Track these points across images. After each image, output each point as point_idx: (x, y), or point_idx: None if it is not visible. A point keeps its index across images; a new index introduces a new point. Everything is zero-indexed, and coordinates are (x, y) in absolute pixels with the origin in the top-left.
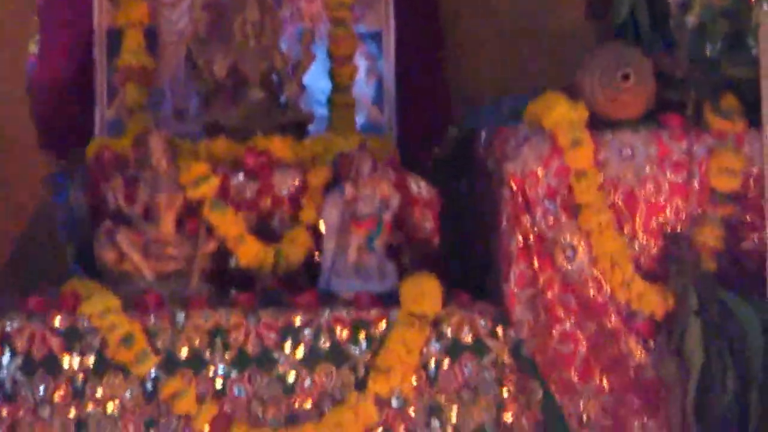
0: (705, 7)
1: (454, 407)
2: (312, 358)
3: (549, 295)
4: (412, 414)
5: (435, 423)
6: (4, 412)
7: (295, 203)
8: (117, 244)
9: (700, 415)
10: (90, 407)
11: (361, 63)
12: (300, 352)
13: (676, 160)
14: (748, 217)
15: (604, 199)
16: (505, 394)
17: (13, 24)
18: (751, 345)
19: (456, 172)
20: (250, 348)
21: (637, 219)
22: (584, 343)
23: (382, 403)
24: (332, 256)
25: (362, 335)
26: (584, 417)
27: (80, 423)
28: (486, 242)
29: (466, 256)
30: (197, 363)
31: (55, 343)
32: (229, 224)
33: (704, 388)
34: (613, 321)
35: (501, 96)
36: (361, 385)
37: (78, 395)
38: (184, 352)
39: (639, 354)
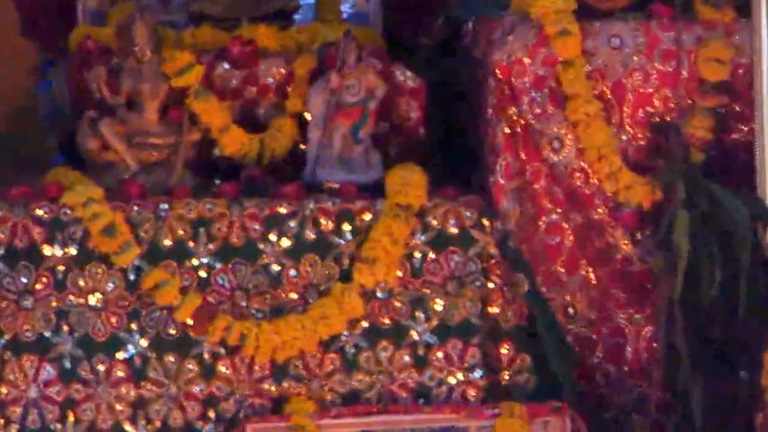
0: None
1: (439, 299)
2: (297, 249)
3: (535, 186)
4: (397, 305)
5: (420, 315)
6: None
7: (280, 93)
8: (100, 133)
9: (687, 306)
10: (72, 298)
11: None
12: (285, 243)
13: (664, 49)
14: (737, 108)
15: (591, 90)
16: (491, 286)
17: None
18: (739, 236)
19: (443, 62)
20: (234, 239)
21: (625, 109)
22: (570, 234)
23: (367, 294)
24: (317, 146)
25: (347, 226)
26: (570, 310)
27: (62, 313)
28: (473, 134)
29: (453, 147)
30: (180, 253)
31: (37, 233)
32: (213, 113)
33: (691, 279)
34: (599, 212)
35: None
36: (346, 277)
37: (60, 286)
38: (167, 243)
39: (626, 246)
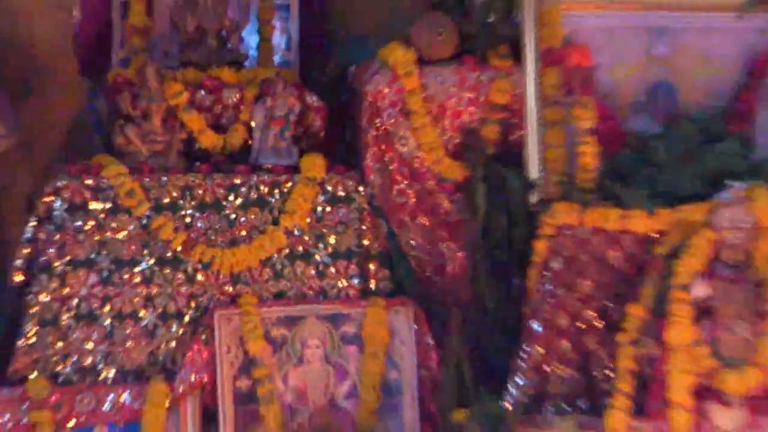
0: None
1: (333, 235)
2: (245, 204)
3: (391, 167)
4: (306, 239)
5: (320, 245)
6: (57, 237)
7: (236, 109)
8: (125, 134)
9: (484, 240)
10: (107, 234)
11: (277, 24)
12: (238, 201)
13: (470, 84)
14: (514, 120)
15: (425, 108)
16: (364, 228)
17: None
18: (515, 198)
19: (336, 90)
20: (208, 198)
21: (446, 120)
22: (413, 197)
23: (288, 232)
24: (259, 142)
25: (276, 191)
26: (412, 243)
27: (101, 243)
28: (354, 134)
29: (342, 143)
30: (175, 207)
31: (86, 194)
32: (194, 122)
33: (487, 224)
34: (430, 184)
35: (365, 40)
36: (275, 222)
37: (100, 227)
38: (166, 201)
39: (447, 204)
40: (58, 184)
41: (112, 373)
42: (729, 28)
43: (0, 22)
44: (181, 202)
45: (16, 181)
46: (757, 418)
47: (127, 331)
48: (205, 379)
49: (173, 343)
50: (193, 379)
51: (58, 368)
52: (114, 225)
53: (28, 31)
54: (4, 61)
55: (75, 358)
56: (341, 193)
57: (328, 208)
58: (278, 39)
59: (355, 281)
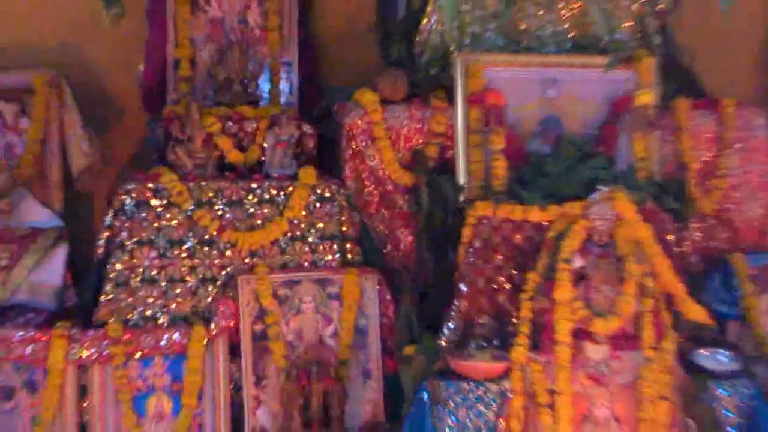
0: (432, 51)
1: (321, 223)
2: (260, 202)
3: (362, 176)
4: (302, 226)
5: (312, 230)
6: (127, 224)
7: (254, 135)
8: (176, 152)
9: (428, 227)
10: (163, 222)
11: (283, 75)
12: (255, 200)
13: (417, 118)
14: (448, 143)
15: (386, 134)
16: (343, 218)
17: (130, 44)
18: (448, 198)
19: (324, 122)
20: (234, 197)
21: (400, 143)
22: (377, 197)
23: (290, 221)
24: (269, 158)
25: (282, 192)
26: (378, 228)
27: (159, 229)
28: (336, 153)
29: (331, 160)
30: (210, 204)
31: (148, 194)
32: (224, 143)
33: (428, 218)
34: (389, 187)
35: (345, 87)
36: (281, 214)
37: (158, 217)
38: (205, 199)
39: (401, 202)
40: (128, 187)
41: (166, 320)
42: (597, 79)
43: (85, 76)
44: (215, 200)
45: (99, 186)
46: (616, 352)
47: (177, 291)
48: (232, 324)
49: (209, 299)
50: (223, 324)
51: (129, 316)
52: (168, 216)
53: (105, 80)
54: (88, 103)
55: (140, 309)
56: (327, 194)
57: (318, 205)
58: (284, 85)
59: (337, 256)
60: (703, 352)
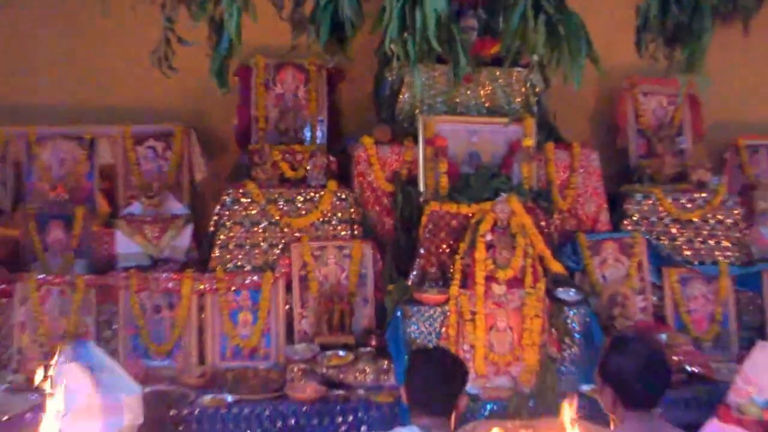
0: (405, 113)
1: (340, 213)
2: (304, 201)
3: (364, 186)
4: (328, 215)
5: (335, 219)
6: (227, 213)
7: (301, 162)
8: (256, 171)
9: (401, 217)
10: (248, 211)
11: (318, 126)
12: (302, 199)
13: (397, 152)
14: (414, 167)
15: (378, 162)
16: (353, 210)
17: (230, 105)
18: (414, 199)
19: (343, 155)
20: (289, 197)
21: (386, 168)
22: (372, 198)
23: (321, 212)
24: (310, 175)
25: (317, 195)
26: (372, 217)
27: (246, 216)
28: (350, 172)
29: (346, 177)
30: (276, 201)
31: (240, 196)
32: (284, 166)
33: (402, 211)
34: (379, 193)
35: (354, 134)
36: (317, 208)
37: (245, 209)
38: (272, 199)
39: (386, 201)
40: (228, 191)
41: (250, 268)
42: (501, 130)
43: (203, 124)
44: (278, 199)
45: (210, 190)
46: (510, 289)
47: (256, 252)
48: (287, 271)
49: (275, 257)
50: (282, 270)
51: (228, 266)
52: (250, 208)
53: (215, 128)
54: (205, 141)
55: (234, 261)
56: (343, 196)
57: (338, 202)
58: (319, 133)
59: (349, 232)
60: (560, 289)
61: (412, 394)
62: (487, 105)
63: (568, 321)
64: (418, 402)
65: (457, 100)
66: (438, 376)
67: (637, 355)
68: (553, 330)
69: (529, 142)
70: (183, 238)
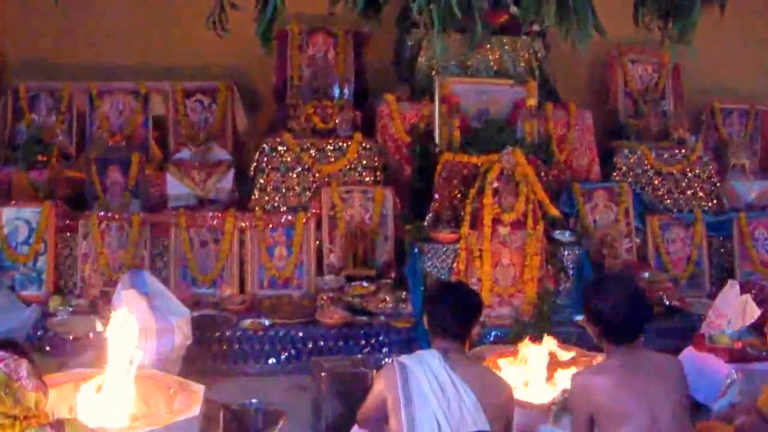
0: (423, 74)
1: (365, 161)
2: (333, 149)
3: (386, 137)
4: (354, 162)
5: (360, 164)
6: (265, 159)
7: (331, 116)
8: (291, 123)
9: (419, 166)
10: (284, 158)
11: (346, 85)
12: (331, 148)
13: (416, 108)
14: (430, 122)
15: (400, 118)
16: (376, 158)
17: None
18: (431, 150)
19: (368, 110)
20: (321, 146)
21: (406, 121)
22: (395, 150)
23: (348, 160)
24: (339, 127)
25: (345, 145)
26: (394, 168)
27: (282, 162)
28: (375, 126)
29: (371, 129)
30: (309, 150)
31: (278, 145)
32: (316, 119)
33: (419, 158)
34: (400, 143)
35: (379, 91)
36: (344, 155)
37: (281, 156)
38: (305, 147)
39: (405, 152)
40: (267, 140)
41: (284, 208)
42: (508, 91)
43: (246, 80)
44: (310, 148)
45: (251, 139)
46: (514, 230)
47: (290, 194)
48: (318, 212)
49: (306, 199)
50: (314, 211)
51: (266, 206)
52: (287, 156)
53: (256, 84)
54: (247, 96)
55: (272, 203)
56: (368, 146)
57: (363, 151)
58: (346, 90)
59: (372, 178)
60: (557, 231)
61: (434, 321)
62: (495, 68)
63: (563, 259)
64: (439, 328)
65: (469, 64)
66: (457, 305)
67: (615, 295)
68: (549, 266)
69: (532, 102)
70: (226, 182)
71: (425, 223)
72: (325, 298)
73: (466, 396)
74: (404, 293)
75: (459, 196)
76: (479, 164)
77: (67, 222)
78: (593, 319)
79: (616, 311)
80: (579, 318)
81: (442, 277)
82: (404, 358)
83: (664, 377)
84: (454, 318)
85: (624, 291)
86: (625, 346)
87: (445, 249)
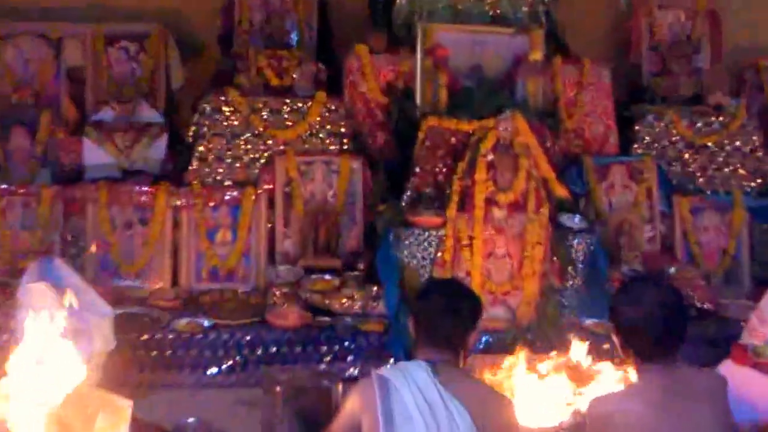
0: (403, 20)
1: (329, 126)
2: (291, 111)
3: (355, 97)
4: (317, 127)
5: (323, 130)
6: (206, 122)
7: (288, 69)
8: (239, 78)
9: (396, 130)
10: (230, 122)
11: (306, 32)
12: (288, 109)
13: (392, 62)
14: (410, 79)
15: (372, 73)
16: (342, 123)
17: (216, 4)
18: (411, 113)
19: (334, 63)
20: (274, 107)
21: (380, 78)
22: (365, 111)
23: (309, 124)
24: (297, 84)
25: (305, 106)
26: (365, 131)
27: (227, 126)
28: (341, 83)
29: (336, 87)
30: (260, 111)
31: (221, 104)
32: (270, 74)
33: (396, 122)
34: (372, 105)
35: (347, 41)
36: (304, 119)
37: (226, 118)
38: (256, 107)
39: (380, 115)
40: (208, 98)
41: (229, 182)
42: (506, 42)
43: (183, 26)
44: (262, 109)
45: (185, 99)
46: (512, 213)
47: (237, 165)
48: (270, 187)
49: (257, 171)
50: (265, 186)
51: (206, 179)
52: (232, 117)
53: (195, 29)
54: (185, 44)
55: (213, 175)
56: (333, 108)
57: (327, 114)
58: (307, 38)
59: (337, 147)
60: (564, 215)
61: (422, 326)
62: (491, 14)
63: (572, 249)
64: (428, 334)
65: (460, 7)
66: (451, 308)
67: (649, 301)
68: (555, 258)
69: (536, 55)
70: (157, 149)
71: (403, 204)
72: (278, 294)
73: (459, 417)
74: (375, 289)
75: (445, 170)
76: (470, 132)
77: None
78: (622, 330)
79: (651, 321)
80: (590, 321)
81: (423, 269)
82: (384, 371)
83: (711, 401)
84: (448, 323)
85: (660, 296)
86: (661, 362)
87: (426, 235)
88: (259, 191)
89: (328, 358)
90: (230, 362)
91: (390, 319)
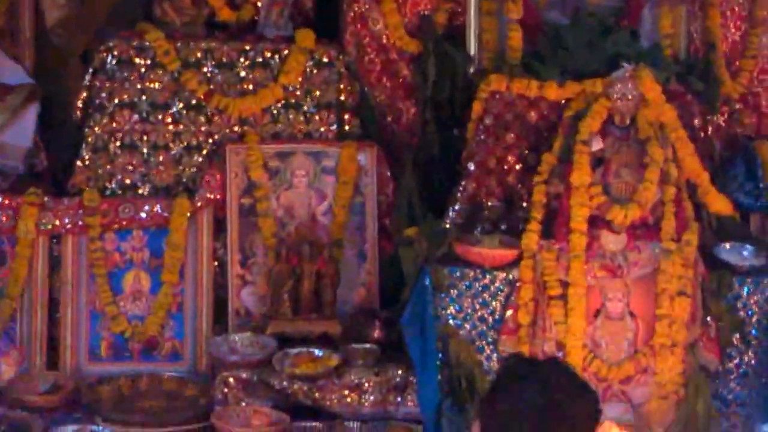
0: None
1: (317, 91)
2: (252, 65)
3: (365, 41)
4: (297, 93)
5: (308, 98)
6: (108, 84)
7: None
8: (163, 7)
9: (432, 101)
10: (148, 83)
11: None
12: (247, 62)
13: None
14: (458, 9)
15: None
16: (341, 86)
17: None
18: (458, 67)
19: None
20: (224, 59)
21: (407, 7)
22: (379, 64)
23: (284, 87)
24: (264, 18)
25: (276, 55)
26: (378, 99)
27: (142, 91)
28: (339, 16)
29: (331, 23)
30: (199, 65)
31: (132, 52)
32: (216, 0)
33: (435, 85)
34: (393, 55)
35: None
36: (275, 79)
37: (142, 78)
38: (193, 60)
39: (405, 71)
40: (110, 44)
41: (147, 190)
42: None
43: None
44: (203, 61)
45: (76, 42)
46: (634, 242)
47: (160, 159)
48: (218, 197)
49: (194, 169)
50: (208, 196)
51: (106, 184)
52: (152, 77)
53: None
54: None
55: (119, 177)
56: (325, 60)
57: (315, 71)
58: None
59: (334, 127)
60: (726, 245)
61: None
62: None
63: (740, 304)
64: None
65: None
66: (553, 412)
67: None
68: (709, 320)
69: None
70: (20, 130)
71: (447, 225)
72: (231, 381)
73: None
74: (400, 372)
75: (518, 168)
76: (562, 101)
77: None
78: None
79: None
80: None
81: (481, 338)
82: None
83: None
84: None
85: None
86: None
87: (489, 279)
88: (199, 204)
89: None
90: None
91: (427, 425)
